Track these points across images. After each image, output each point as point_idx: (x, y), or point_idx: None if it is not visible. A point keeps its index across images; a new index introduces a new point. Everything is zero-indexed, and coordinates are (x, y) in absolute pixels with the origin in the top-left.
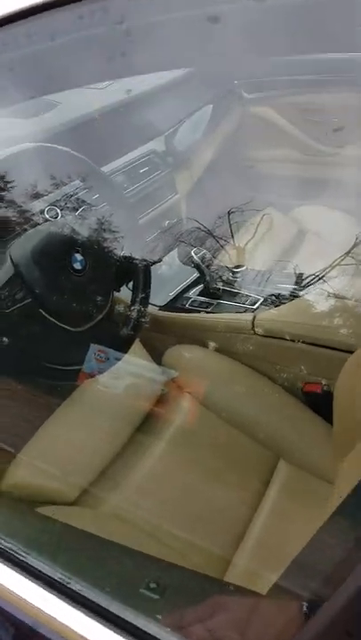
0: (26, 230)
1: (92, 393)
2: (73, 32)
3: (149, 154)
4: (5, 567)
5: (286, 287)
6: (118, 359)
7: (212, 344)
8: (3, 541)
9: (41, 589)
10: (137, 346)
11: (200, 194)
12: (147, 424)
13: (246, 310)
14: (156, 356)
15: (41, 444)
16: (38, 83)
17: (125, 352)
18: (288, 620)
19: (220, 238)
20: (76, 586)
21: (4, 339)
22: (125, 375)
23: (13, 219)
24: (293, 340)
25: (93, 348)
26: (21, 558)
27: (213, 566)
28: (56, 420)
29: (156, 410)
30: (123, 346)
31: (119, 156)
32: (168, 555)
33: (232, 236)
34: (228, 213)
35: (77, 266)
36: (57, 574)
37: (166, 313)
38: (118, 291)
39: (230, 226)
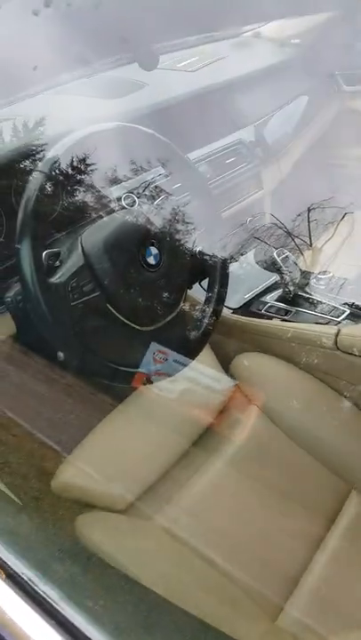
0: (100, 217)
1: (149, 399)
2: None
3: (237, 144)
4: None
5: None
6: (178, 362)
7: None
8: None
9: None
10: (205, 350)
11: (287, 191)
12: (205, 437)
13: (329, 322)
14: (225, 361)
15: (93, 446)
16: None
17: (193, 358)
18: None
19: (298, 237)
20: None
21: (61, 354)
22: (184, 380)
23: (88, 203)
24: None
25: (153, 347)
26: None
27: (264, 609)
28: (110, 423)
29: (217, 421)
30: (191, 351)
31: (205, 144)
32: (212, 587)
33: (309, 235)
34: (308, 210)
35: (151, 260)
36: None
37: (240, 317)
38: (190, 288)
39: (309, 224)
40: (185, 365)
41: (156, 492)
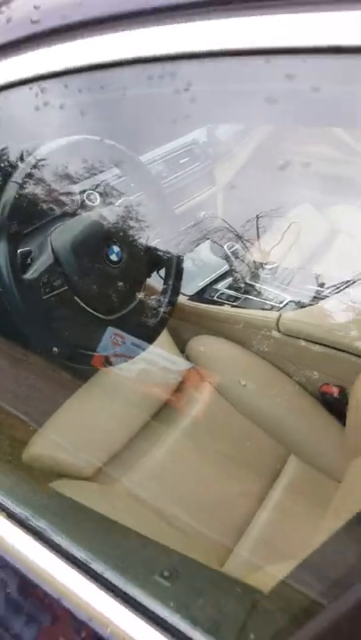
0: (65, 215)
1: (112, 378)
2: (142, 89)
3: (192, 144)
4: (23, 533)
5: (314, 289)
6: (135, 345)
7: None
8: (19, 509)
9: (58, 560)
10: (163, 333)
11: (238, 186)
12: (164, 411)
13: (273, 308)
14: (181, 343)
15: (62, 420)
16: (105, 129)
17: (151, 342)
18: (290, 619)
19: (247, 240)
20: (95, 565)
21: (55, 349)
22: (143, 361)
23: (55, 204)
24: (315, 342)
25: (110, 331)
26: (37, 527)
27: (215, 553)
28: (77, 399)
29: (174, 398)
30: (150, 336)
31: (160, 145)
32: (173, 537)
33: (247, 237)
34: (257, 218)
35: (114, 257)
36: (76, 551)
37: (193, 303)
38: (149, 277)
39: (258, 230)
40: (144, 349)
41: (121, 460)
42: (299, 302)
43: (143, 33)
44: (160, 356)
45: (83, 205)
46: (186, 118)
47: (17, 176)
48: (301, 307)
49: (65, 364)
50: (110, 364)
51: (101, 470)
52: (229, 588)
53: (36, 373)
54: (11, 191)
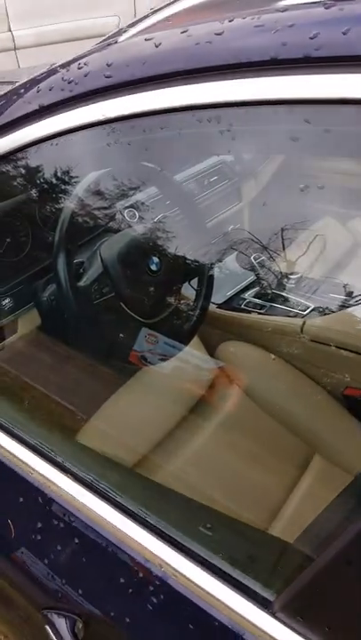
0: (110, 231)
1: (151, 375)
2: (191, 128)
3: (220, 163)
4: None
5: (337, 297)
6: (167, 343)
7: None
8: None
9: (123, 517)
10: (195, 338)
11: (262, 201)
12: (198, 407)
13: (297, 315)
14: (210, 348)
15: (108, 413)
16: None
17: (186, 344)
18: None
19: (273, 252)
20: (155, 518)
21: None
22: (178, 361)
23: (103, 220)
24: (339, 347)
25: (144, 331)
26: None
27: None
28: (121, 394)
29: (207, 396)
30: (184, 338)
31: (191, 166)
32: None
33: (272, 248)
34: (281, 230)
35: (153, 267)
36: (135, 507)
37: (222, 310)
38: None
39: (282, 242)
40: (178, 349)
41: (163, 448)
42: (322, 310)
43: (195, 87)
44: (193, 357)
45: (124, 221)
46: (227, 152)
47: (73, 198)
48: (325, 314)
49: (110, 361)
50: (146, 360)
51: (145, 458)
52: (262, 538)
53: (85, 369)
54: (68, 211)
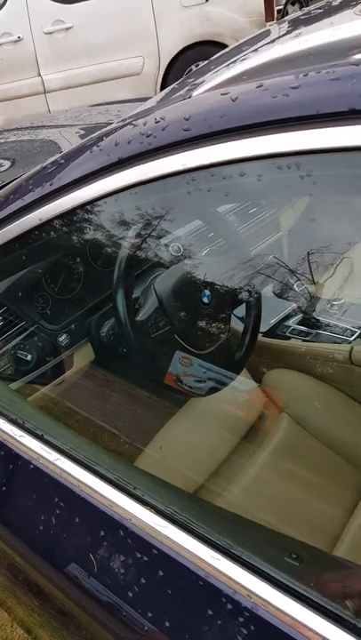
0: (159, 265)
1: (203, 404)
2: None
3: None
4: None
5: None
6: (202, 366)
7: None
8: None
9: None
10: None
11: (300, 230)
12: (252, 434)
13: (343, 341)
14: (257, 377)
15: (163, 442)
16: None
17: (239, 373)
18: None
19: (313, 279)
20: (241, 551)
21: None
22: (230, 390)
23: (153, 256)
24: None
25: (178, 353)
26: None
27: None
28: (175, 424)
29: (258, 423)
30: (236, 368)
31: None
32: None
33: (311, 274)
34: (308, 254)
35: (205, 300)
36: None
37: (267, 339)
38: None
39: (310, 265)
40: (213, 371)
41: (220, 476)
42: None
43: (274, 137)
44: (242, 385)
45: (169, 255)
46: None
47: (130, 238)
48: None
49: (161, 390)
50: (181, 383)
51: (203, 487)
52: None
53: (139, 400)
54: (123, 253)
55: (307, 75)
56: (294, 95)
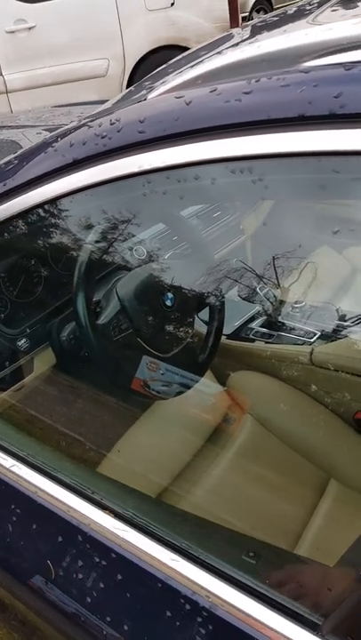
0: (122, 268)
1: (167, 408)
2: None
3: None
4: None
5: (342, 324)
6: (169, 370)
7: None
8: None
9: (167, 551)
10: None
11: (263, 234)
12: (215, 436)
13: (304, 343)
14: (221, 379)
15: (127, 447)
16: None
17: (202, 375)
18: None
19: (276, 282)
20: (200, 552)
21: None
22: (193, 392)
23: (115, 259)
24: (349, 373)
25: (146, 358)
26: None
27: None
28: (138, 428)
29: (222, 426)
30: (199, 370)
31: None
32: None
33: (277, 279)
34: (273, 259)
35: (168, 303)
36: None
37: (232, 341)
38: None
39: (284, 272)
40: (180, 375)
41: (183, 479)
42: (328, 336)
43: (225, 141)
44: (206, 388)
45: (134, 258)
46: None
47: (90, 240)
48: (331, 340)
49: (127, 395)
50: (149, 388)
51: (167, 490)
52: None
53: (104, 404)
54: (84, 256)
55: (258, 80)
56: (246, 100)
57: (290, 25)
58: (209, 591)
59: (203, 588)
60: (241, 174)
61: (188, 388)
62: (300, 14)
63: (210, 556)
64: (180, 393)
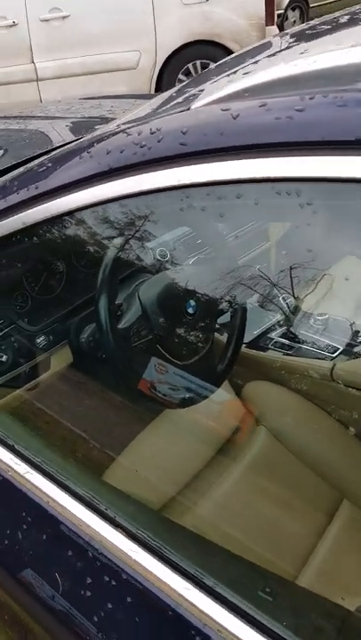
0: (143, 270)
1: (178, 415)
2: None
3: None
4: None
5: None
6: (176, 373)
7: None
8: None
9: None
10: None
11: (288, 242)
12: (227, 447)
13: (326, 357)
14: (237, 388)
15: (136, 452)
16: None
17: (220, 385)
18: None
19: (299, 292)
20: (214, 582)
21: None
22: (208, 402)
23: (139, 262)
24: None
25: (154, 360)
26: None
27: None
28: (148, 434)
29: (234, 437)
30: (217, 380)
31: None
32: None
33: (292, 289)
34: (290, 269)
35: (190, 310)
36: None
37: (250, 350)
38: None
39: (308, 282)
40: (188, 379)
41: (191, 490)
42: (351, 352)
43: (272, 160)
44: (221, 398)
45: (157, 261)
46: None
47: (116, 245)
48: (355, 357)
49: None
50: (155, 389)
51: (173, 500)
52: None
53: (118, 409)
54: (109, 257)
55: (313, 98)
56: (298, 118)
57: (345, 35)
58: (221, 625)
59: (214, 620)
60: (288, 196)
61: (200, 395)
62: (355, 23)
63: (224, 588)
64: (189, 399)
